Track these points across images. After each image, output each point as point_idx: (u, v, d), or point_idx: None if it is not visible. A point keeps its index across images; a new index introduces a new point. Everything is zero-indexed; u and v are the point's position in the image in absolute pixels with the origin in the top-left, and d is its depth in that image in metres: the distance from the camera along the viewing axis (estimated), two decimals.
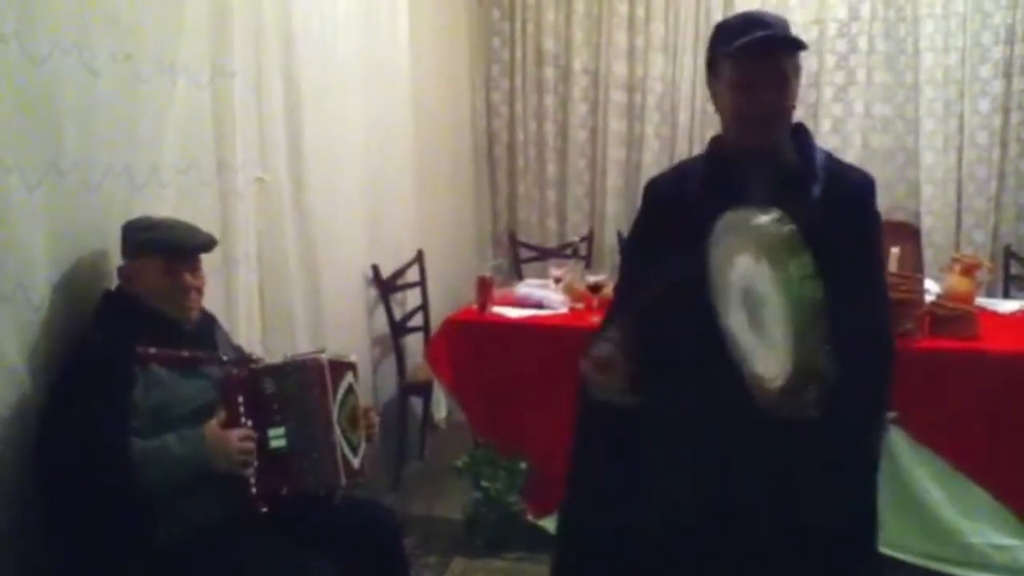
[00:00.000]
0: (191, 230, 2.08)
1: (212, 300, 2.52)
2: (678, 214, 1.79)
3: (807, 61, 4.25)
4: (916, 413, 2.74)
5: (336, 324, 3.33)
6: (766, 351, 1.54)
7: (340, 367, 2.12)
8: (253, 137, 2.77)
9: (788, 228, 1.49)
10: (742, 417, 1.57)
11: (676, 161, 4.51)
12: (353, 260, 3.54)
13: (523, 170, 5.00)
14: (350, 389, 2.13)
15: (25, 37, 1.85)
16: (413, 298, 4.01)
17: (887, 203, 4.33)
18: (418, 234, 4.09)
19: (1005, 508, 2.73)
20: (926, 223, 4.23)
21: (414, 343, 3.89)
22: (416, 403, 3.75)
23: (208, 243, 2.10)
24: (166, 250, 2.00)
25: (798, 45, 1.73)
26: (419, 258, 4.00)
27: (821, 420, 1.52)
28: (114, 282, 2.06)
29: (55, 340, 1.95)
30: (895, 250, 3.14)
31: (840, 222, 1.67)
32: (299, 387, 2.02)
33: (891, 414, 2.73)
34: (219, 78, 2.56)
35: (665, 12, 4.62)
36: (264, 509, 1.92)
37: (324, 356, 2.09)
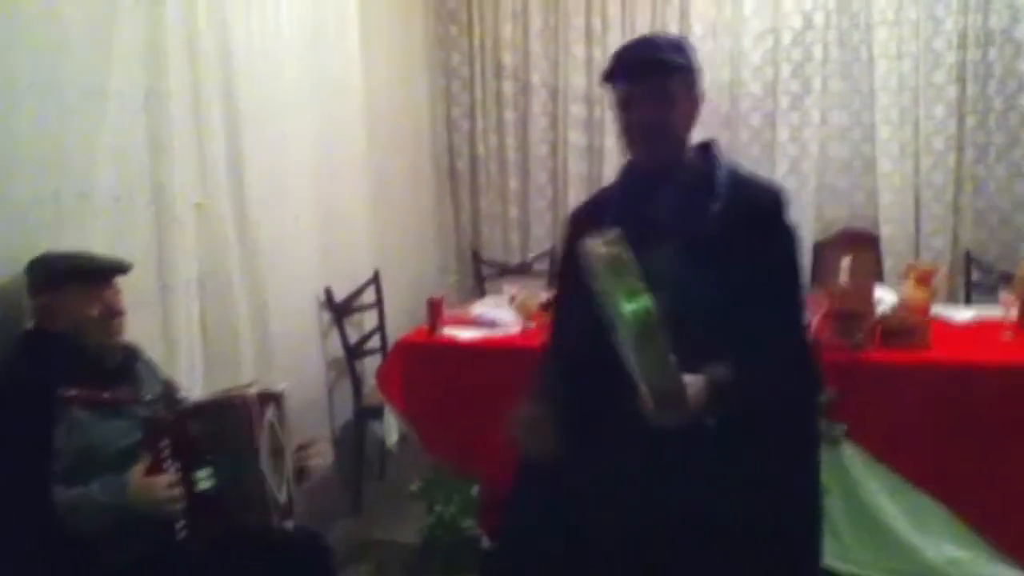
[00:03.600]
0: (101, 256, 2.06)
1: (148, 330, 2.49)
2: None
3: (762, 70, 4.31)
4: (868, 426, 2.72)
5: (286, 349, 3.28)
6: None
7: (265, 400, 2.08)
8: (191, 161, 2.72)
9: (611, 249, 1.52)
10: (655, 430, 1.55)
11: None
12: (304, 283, 3.49)
13: (485, 186, 4.97)
14: (272, 423, 2.08)
15: None
16: (371, 320, 3.96)
17: (846, 211, 4.33)
18: (375, 254, 4.05)
19: (960, 521, 2.69)
20: (885, 231, 4.21)
21: (372, 365, 3.84)
22: (377, 426, 3.70)
23: (120, 266, 2.06)
24: (79, 276, 1.97)
25: (652, 68, 1.74)
26: (375, 279, 3.95)
27: (729, 427, 1.55)
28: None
29: None
30: (846, 260, 3.11)
31: (742, 236, 1.68)
32: (226, 426, 1.98)
33: (840, 426, 2.72)
34: (153, 101, 2.52)
35: (621, 23, 4.60)
36: (195, 548, 1.88)
37: (252, 391, 2.05)
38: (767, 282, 1.69)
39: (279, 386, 2.19)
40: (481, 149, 4.97)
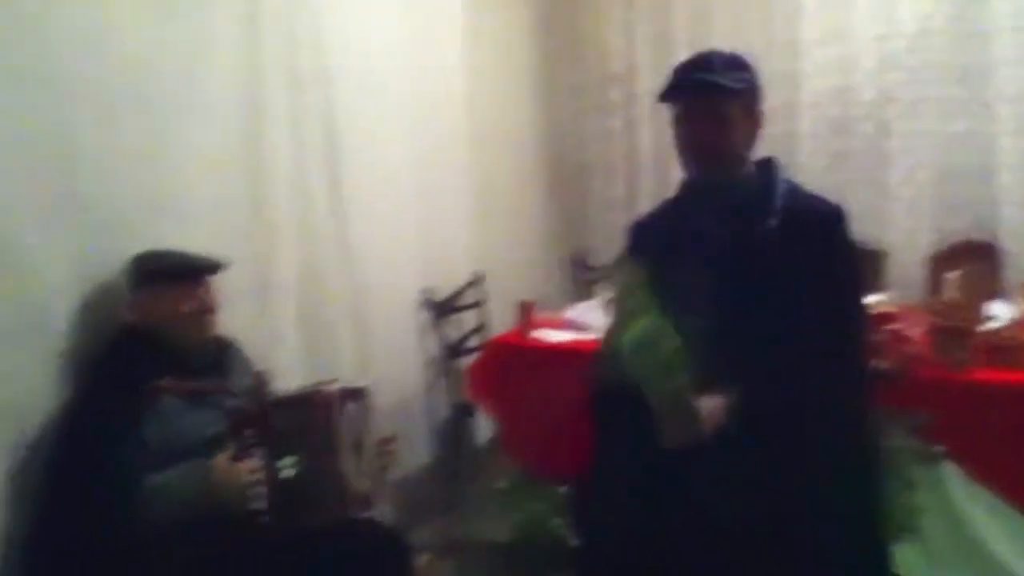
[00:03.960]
0: (195, 255, 2.15)
1: (247, 326, 2.62)
2: (655, 255, 1.80)
3: (876, 77, 4.18)
4: (971, 447, 2.60)
5: (384, 347, 3.39)
6: None
7: (347, 395, 2.15)
8: (290, 169, 2.85)
9: (628, 273, 1.54)
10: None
11: None
12: (403, 284, 3.60)
13: (591, 193, 5.00)
14: (357, 416, 2.16)
15: (44, 82, 1.97)
16: (473, 321, 4.05)
17: (964, 223, 4.14)
18: (478, 258, 4.13)
19: None
20: (1007, 244, 4.01)
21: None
22: (471, 424, 3.79)
23: (214, 265, 2.16)
24: (173, 275, 2.08)
25: (707, 90, 1.77)
26: (476, 280, 4.03)
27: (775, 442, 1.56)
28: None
29: (79, 370, 2.04)
30: (952, 275, 3.00)
31: (798, 252, 1.67)
32: (308, 418, 2.06)
33: (938, 447, 2.62)
34: (251, 113, 2.66)
35: (729, 32, 4.54)
36: (275, 537, 1.96)
37: (334, 387, 2.14)
38: (821, 298, 1.67)
39: (361, 382, 2.27)
40: (587, 157, 5.00)
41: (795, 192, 1.79)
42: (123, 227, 2.21)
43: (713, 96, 1.76)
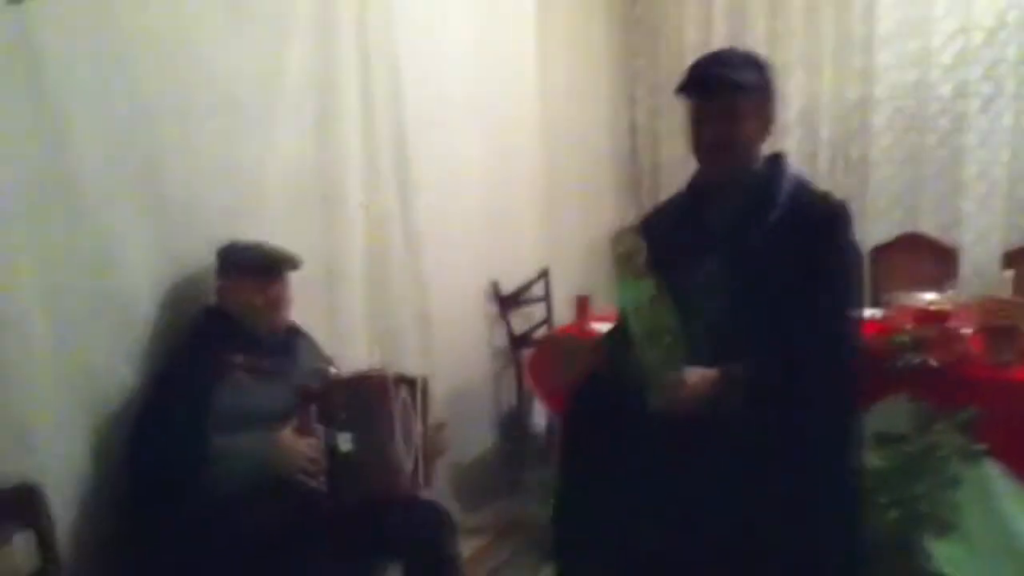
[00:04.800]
0: (276, 251, 2.34)
1: (318, 314, 2.82)
2: (660, 245, 1.91)
3: (953, 71, 4.12)
4: (1013, 445, 2.61)
5: (451, 338, 3.56)
6: None
7: (399, 381, 2.34)
8: (359, 166, 3.03)
9: (625, 242, 1.65)
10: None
11: (817, 176, 4.50)
12: (470, 277, 3.76)
13: (661, 189, 5.05)
14: (404, 401, 2.34)
15: (129, 95, 2.20)
16: (542, 314, 4.19)
17: None
18: (546, 253, 4.25)
19: None
20: None
21: None
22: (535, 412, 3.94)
23: (291, 262, 2.35)
24: (253, 269, 2.29)
25: (722, 86, 1.84)
26: (544, 275, 4.17)
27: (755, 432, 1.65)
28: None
29: (159, 349, 2.28)
30: (1008, 274, 2.99)
31: (796, 246, 1.74)
32: (366, 398, 2.25)
33: (979, 446, 2.63)
34: (323, 117, 2.85)
35: (805, 25, 4.55)
36: (329, 505, 2.15)
37: (389, 371, 2.34)
38: (812, 292, 1.74)
39: (419, 372, 2.47)
40: (663, 154, 5.07)
41: (800, 189, 1.87)
42: (203, 225, 2.42)
43: (728, 92, 1.84)
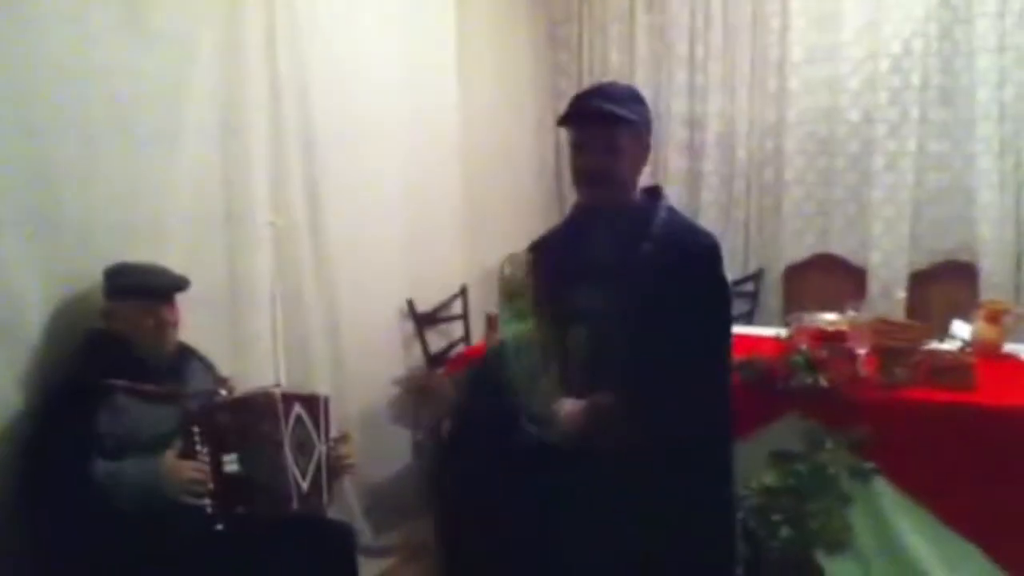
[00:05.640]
0: (162, 273, 2.33)
1: (220, 337, 2.80)
2: (544, 272, 1.95)
3: (861, 97, 4.24)
4: (903, 464, 2.68)
5: (364, 357, 3.55)
6: None
7: (291, 399, 2.33)
8: (267, 185, 3.02)
9: (511, 272, 1.71)
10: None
11: (734, 197, 4.60)
12: (385, 296, 3.75)
13: None
14: (299, 418, 2.33)
15: (22, 108, 2.17)
16: (460, 331, 4.20)
17: (944, 242, 4.18)
18: (466, 271, 4.26)
19: (994, 565, 2.62)
20: (985, 265, 4.04)
21: None
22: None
23: (178, 284, 2.33)
24: (138, 292, 2.26)
25: (601, 119, 1.88)
26: (463, 292, 4.18)
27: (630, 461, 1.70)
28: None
29: (46, 373, 2.24)
30: (901, 294, 3.08)
31: (667, 278, 1.78)
32: (251, 418, 2.24)
33: (869, 464, 2.69)
34: (229, 135, 2.84)
35: (723, 50, 4.65)
36: (219, 527, 2.13)
37: (277, 390, 2.34)
38: (681, 324, 1.78)
39: (311, 389, 2.45)
40: None
41: (673, 222, 1.91)
42: (97, 244, 2.39)
43: (608, 125, 1.88)
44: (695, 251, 1.87)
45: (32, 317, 2.24)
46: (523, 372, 1.72)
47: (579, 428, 1.73)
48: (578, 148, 1.93)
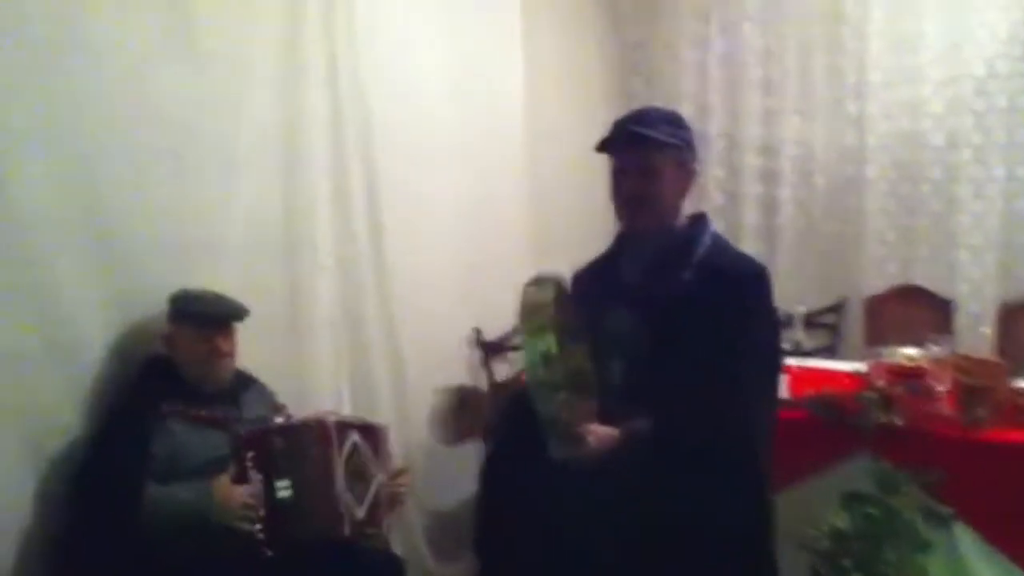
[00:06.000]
0: (222, 301, 2.35)
1: (279, 362, 2.82)
2: (583, 298, 1.93)
3: (944, 121, 4.08)
4: (984, 509, 2.53)
5: (429, 384, 3.53)
6: None
7: (345, 427, 2.33)
8: (327, 209, 3.01)
9: (536, 292, 1.75)
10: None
11: (812, 225, 4.46)
12: (452, 323, 3.72)
13: None
14: (355, 446, 2.33)
15: (78, 135, 2.20)
16: None
17: None
18: None
19: None
20: None
21: None
22: None
23: (236, 313, 2.35)
24: (197, 319, 2.29)
25: (639, 144, 1.86)
26: None
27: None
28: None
29: (105, 396, 2.27)
30: (986, 331, 2.92)
31: (707, 308, 1.72)
32: (304, 444, 2.25)
33: (946, 509, 2.55)
34: (289, 160, 2.84)
35: (799, 73, 4.53)
36: (269, 553, 2.13)
37: (332, 417, 2.34)
38: (717, 354, 1.71)
39: (373, 418, 2.49)
40: None
41: (718, 249, 1.85)
42: (155, 269, 2.42)
43: (644, 149, 1.84)
44: (736, 279, 1.80)
45: (91, 341, 2.27)
46: (535, 394, 1.69)
47: (609, 453, 1.69)
48: (615, 174, 1.92)
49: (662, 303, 1.78)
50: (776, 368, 1.85)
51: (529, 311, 1.73)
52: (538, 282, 1.79)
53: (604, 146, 1.93)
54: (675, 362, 1.72)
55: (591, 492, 1.73)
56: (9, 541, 2.07)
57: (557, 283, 1.81)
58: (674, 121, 1.92)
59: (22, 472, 2.12)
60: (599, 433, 1.71)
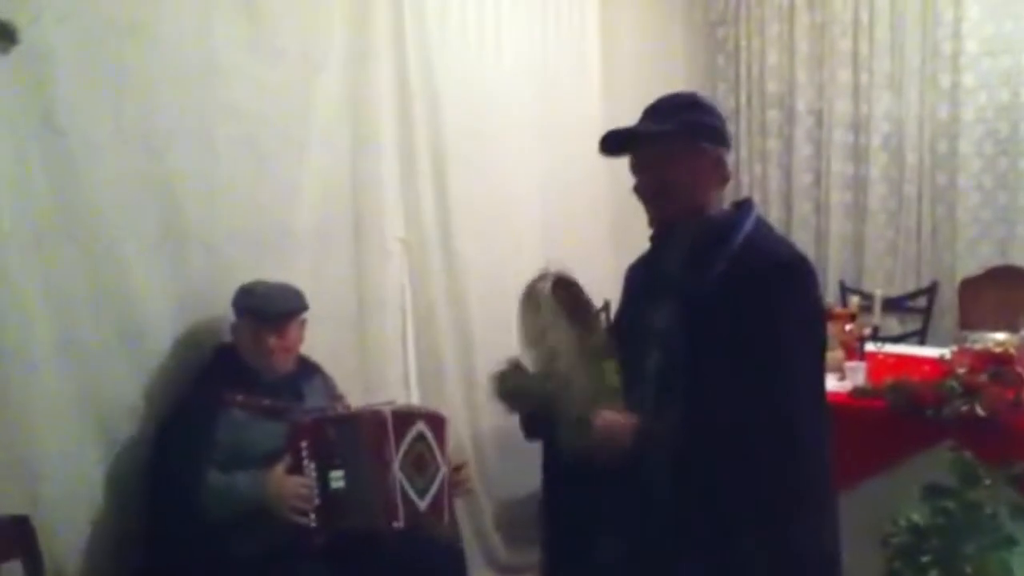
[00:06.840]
0: (282, 297, 2.36)
1: (346, 350, 2.85)
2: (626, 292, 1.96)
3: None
4: None
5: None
6: None
7: (408, 418, 2.34)
8: (397, 196, 3.03)
9: (541, 285, 1.76)
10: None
11: (903, 204, 4.28)
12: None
13: None
14: (419, 437, 2.33)
15: (149, 127, 2.27)
16: None
17: None
18: (611, 286, 4.16)
19: None
20: None
21: None
22: None
23: (292, 310, 2.36)
24: (252, 315, 2.33)
25: (625, 142, 1.81)
26: (605, 308, 4.09)
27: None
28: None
29: (176, 384, 2.33)
30: None
31: (737, 299, 1.64)
32: (359, 434, 2.27)
33: None
34: (358, 149, 2.87)
35: (891, 46, 4.34)
36: (320, 540, 2.16)
37: (388, 407, 2.35)
38: (742, 347, 1.63)
39: (437, 410, 2.49)
40: (745, 178, 4.93)
41: (755, 239, 1.74)
42: (224, 257, 2.48)
43: (634, 145, 1.80)
44: (764, 273, 1.68)
45: (160, 330, 2.34)
46: (555, 384, 1.69)
47: (620, 445, 1.65)
48: (632, 168, 1.83)
49: (692, 296, 1.71)
50: (805, 367, 1.71)
51: (529, 306, 1.74)
52: (547, 274, 1.78)
53: (600, 149, 1.87)
54: (704, 359, 1.65)
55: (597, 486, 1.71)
56: (82, 520, 2.16)
57: (557, 275, 1.79)
58: (685, 105, 1.81)
59: (95, 456, 2.20)
60: (609, 420, 1.66)
